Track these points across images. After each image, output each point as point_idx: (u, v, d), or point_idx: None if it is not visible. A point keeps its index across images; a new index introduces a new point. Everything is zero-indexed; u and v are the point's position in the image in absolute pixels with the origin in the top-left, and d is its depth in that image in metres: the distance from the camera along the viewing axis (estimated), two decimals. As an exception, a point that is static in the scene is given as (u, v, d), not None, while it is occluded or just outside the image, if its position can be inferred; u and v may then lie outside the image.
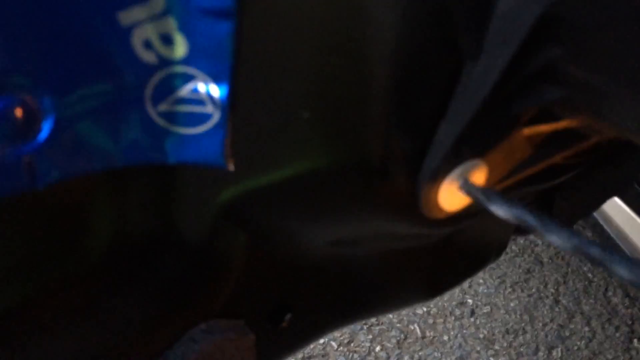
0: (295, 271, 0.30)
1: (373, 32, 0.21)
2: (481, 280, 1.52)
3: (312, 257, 0.30)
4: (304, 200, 0.26)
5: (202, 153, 0.23)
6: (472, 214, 0.30)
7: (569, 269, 1.55)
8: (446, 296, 1.44)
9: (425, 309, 1.40)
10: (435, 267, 0.37)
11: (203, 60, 0.22)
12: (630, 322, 1.39)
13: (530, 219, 0.22)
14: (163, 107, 0.22)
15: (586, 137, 0.31)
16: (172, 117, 0.22)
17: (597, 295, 1.47)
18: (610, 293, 1.48)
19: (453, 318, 1.39)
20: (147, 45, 0.21)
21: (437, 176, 0.25)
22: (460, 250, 0.37)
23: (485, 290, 1.48)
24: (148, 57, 0.21)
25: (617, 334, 1.36)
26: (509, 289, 1.49)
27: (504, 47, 0.22)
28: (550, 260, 1.58)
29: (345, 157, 0.25)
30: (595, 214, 1.06)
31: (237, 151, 0.23)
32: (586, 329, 1.38)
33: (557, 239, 0.21)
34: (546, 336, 1.36)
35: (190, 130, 0.23)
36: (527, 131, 0.28)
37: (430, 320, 1.38)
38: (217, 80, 0.22)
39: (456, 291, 1.46)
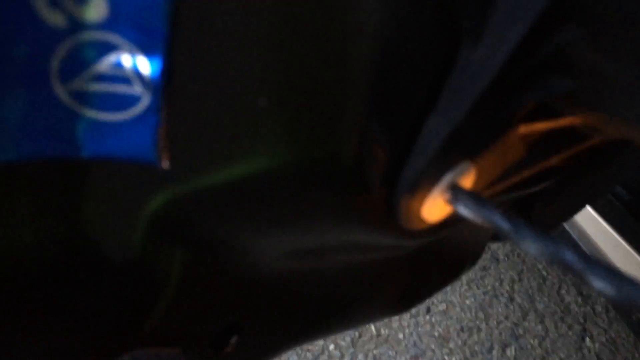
0: (245, 288, 0.25)
1: (351, 5, 0.17)
2: (438, 277, 1.50)
3: (266, 272, 0.25)
4: (257, 205, 0.21)
5: (127, 145, 0.18)
6: (454, 222, 0.26)
7: (524, 267, 1.55)
8: (402, 293, 1.42)
9: (381, 306, 1.37)
10: (408, 279, 0.32)
11: (129, 26, 0.16)
12: (582, 321, 1.40)
13: (529, 240, 0.18)
14: (75, 85, 0.17)
15: (583, 138, 0.27)
16: (87, 98, 0.17)
17: (551, 293, 1.48)
18: (563, 291, 1.49)
19: (408, 316, 1.37)
20: (54, 3, 0.16)
21: (421, 182, 0.21)
22: (435, 260, 0.33)
23: (441, 287, 1.47)
24: (54, 18, 0.16)
25: (570, 333, 1.37)
26: (465, 287, 1.48)
27: (512, 26, 0.18)
28: (506, 258, 1.57)
29: (309, 155, 0.20)
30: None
31: (173, 144, 0.18)
32: (539, 327, 1.38)
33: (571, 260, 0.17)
34: (500, 334, 1.36)
35: (112, 116, 0.17)
36: (524, 129, 0.24)
37: (386, 318, 1.36)
38: (147, 52, 0.17)
39: (412, 288, 1.44)
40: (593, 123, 0.24)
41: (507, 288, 1.48)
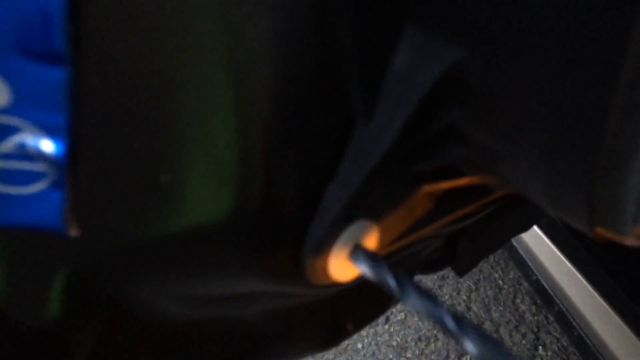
0: (166, 336, 0.26)
1: (244, 88, 0.18)
2: (397, 287, 1.53)
3: (185, 319, 0.26)
4: (169, 264, 0.22)
5: (35, 216, 0.19)
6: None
7: (481, 276, 1.58)
8: (362, 303, 1.44)
9: (340, 316, 1.39)
10: (332, 319, 0.34)
11: (32, 110, 0.17)
12: (536, 330, 1.44)
13: (415, 302, 0.20)
14: (-18, 162, 0.18)
15: (489, 191, 0.29)
16: (-5, 175, 0.18)
17: (507, 302, 1.52)
18: (518, 300, 1.52)
19: (368, 325, 1.39)
20: (-42, 90, 0.17)
21: (324, 245, 0.22)
22: (358, 300, 0.35)
23: (400, 297, 1.49)
24: (-41, 104, 0.17)
25: (524, 341, 1.41)
26: (424, 296, 1.50)
27: (399, 108, 0.19)
28: (463, 267, 1.61)
29: (216, 219, 0.21)
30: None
31: (82, 215, 0.19)
32: (494, 335, 1.42)
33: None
34: (457, 343, 1.38)
35: (19, 189, 0.18)
36: (428, 188, 0.25)
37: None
38: (51, 134, 0.18)
39: (372, 298, 1.46)
40: (491, 182, 0.25)
41: (464, 297, 1.51)
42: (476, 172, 0.24)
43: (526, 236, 0.97)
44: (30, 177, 0.18)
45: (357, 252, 0.23)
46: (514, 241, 1.03)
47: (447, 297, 1.51)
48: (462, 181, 0.26)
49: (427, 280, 1.55)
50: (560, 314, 0.89)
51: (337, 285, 0.26)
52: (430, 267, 0.42)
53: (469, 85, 0.19)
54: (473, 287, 1.55)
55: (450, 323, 0.20)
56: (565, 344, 1.41)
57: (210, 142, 0.19)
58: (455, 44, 0.18)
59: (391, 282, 0.21)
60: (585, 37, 0.15)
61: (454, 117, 0.20)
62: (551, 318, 1.50)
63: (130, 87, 0.17)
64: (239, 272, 0.24)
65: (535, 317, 1.48)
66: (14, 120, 0.17)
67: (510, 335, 1.42)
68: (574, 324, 0.84)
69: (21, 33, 0.16)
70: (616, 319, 0.74)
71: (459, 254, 0.40)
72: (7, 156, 0.18)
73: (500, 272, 1.61)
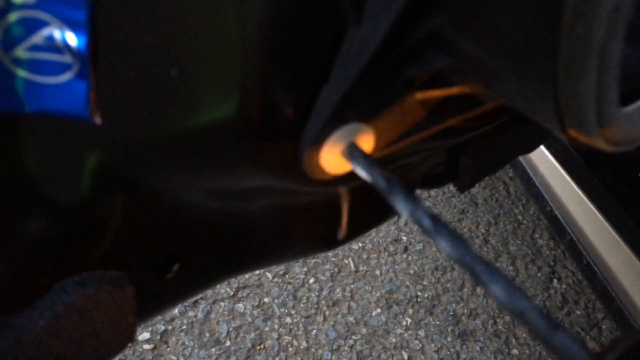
0: (180, 224, 0.29)
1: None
2: (417, 218, 1.56)
3: (197, 210, 0.29)
4: (182, 156, 0.25)
5: (63, 103, 0.22)
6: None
7: (501, 211, 1.61)
8: (381, 232, 1.48)
9: (360, 245, 1.44)
10: (334, 220, 0.37)
11: (57, 6, 0.20)
12: (552, 264, 1.47)
13: (399, 201, 0.22)
14: (17, 53, 0.20)
15: (481, 102, 0.31)
16: (27, 64, 0.21)
17: (525, 236, 1.54)
18: (537, 235, 1.55)
19: (387, 254, 1.44)
20: (-7, -13, 0.19)
21: (319, 140, 0.25)
22: (360, 204, 0.37)
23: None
24: (-5, 0, 0.19)
25: (539, 274, 1.44)
26: (443, 228, 1.53)
27: (385, 13, 0.21)
28: (484, 202, 1.63)
29: (223, 115, 0.24)
30: (523, 162, 1.10)
31: (105, 105, 0.22)
32: (510, 268, 1.45)
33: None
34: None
35: (49, 79, 0.21)
36: (420, 95, 0.27)
37: (365, 256, 1.42)
38: (74, 28, 0.20)
39: (392, 228, 1.50)
40: (479, 91, 0.27)
41: (483, 231, 1.54)
42: (464, 81, 0.26)
43: (542, 168, 0.98)
44: (58, 68, 0.21)
45: (351, 149, 0.25)
46: (531, 174, 1.04)
47: (466, 229, 1.54)
48: (453, 90, 0.28)
49: (447, 213, 1.58)
50: (572, 243, 0.91)
51: (333, 182, 0.28)
52: (432, 182, 0.45)
53: None
54: (492, 221, 1.57)
55: (428, 222, 0.22)
56: (580, 277, 1.44)
57: (213, 42, 0.21)
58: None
59: (380, 180, 0.24)
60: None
61: (437, 23, 0.22)
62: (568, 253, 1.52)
63: None
64: (244, 167, 0.26)
65: (553, 252, 1.50)
66: (42, 15, 0.20)
67: (526, 268, 1.45)
68: (584, 252, 0.87)
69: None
70: (625, 247, 0.76)
71: (460, 170, 0.42)
72: (38, 48, 0.20)
73: (520, 207, 1.62)
